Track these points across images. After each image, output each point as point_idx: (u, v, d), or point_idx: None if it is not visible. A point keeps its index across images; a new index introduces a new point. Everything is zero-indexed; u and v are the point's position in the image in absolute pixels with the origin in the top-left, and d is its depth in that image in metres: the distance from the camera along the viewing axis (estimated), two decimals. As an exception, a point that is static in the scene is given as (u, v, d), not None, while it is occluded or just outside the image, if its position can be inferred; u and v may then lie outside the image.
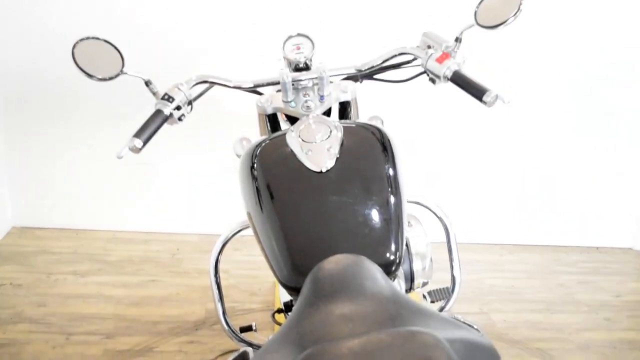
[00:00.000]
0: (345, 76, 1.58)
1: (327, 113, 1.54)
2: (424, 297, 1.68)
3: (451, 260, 1.59)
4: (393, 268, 1.17)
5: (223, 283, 1.50)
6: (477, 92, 1.30)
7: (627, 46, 2.93)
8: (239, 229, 1.54)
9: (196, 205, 3.07)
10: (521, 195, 3.25)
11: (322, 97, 1.49)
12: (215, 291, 1.55)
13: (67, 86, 2.74)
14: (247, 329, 1.58)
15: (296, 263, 1.15)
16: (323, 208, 1.19)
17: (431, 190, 3.12)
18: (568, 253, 3.30)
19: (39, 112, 2.84)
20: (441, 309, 1.63)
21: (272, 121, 1.59)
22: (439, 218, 1.57)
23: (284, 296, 1.55)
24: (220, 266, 1.49)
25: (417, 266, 1.44)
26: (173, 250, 2.95)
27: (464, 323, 1.65)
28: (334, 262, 1.10)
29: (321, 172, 1.22)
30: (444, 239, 1.53)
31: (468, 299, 2.71)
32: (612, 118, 3.12)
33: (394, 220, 1.20)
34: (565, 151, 3.17)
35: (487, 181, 3.20)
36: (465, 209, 3.21)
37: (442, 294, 1.66)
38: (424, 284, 1.47)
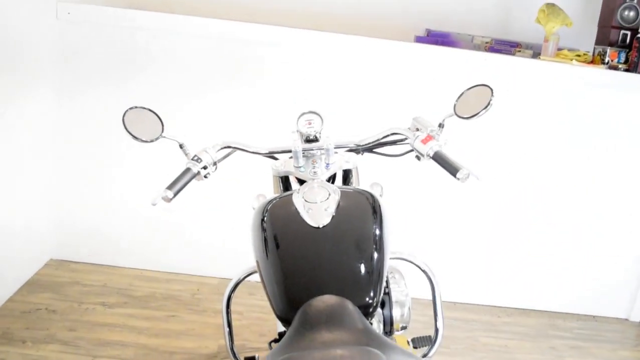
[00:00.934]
0: (348, 149, 1.86)
1: (333, 178, 1.82)
2: (408, 342, 1.92)
3: (435, 312, 1.83)
4: (371, 310, 1.43)
5: (236, 324, 1.76)
6: (452, 169, 1.56)
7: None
8: (248, 272, 1.83)
9: (218, 251, 3.35)
10: (522, 260, 3.45)
11: (327, 165, 1.76)
12: (226, 327, 1.83)
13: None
14: (251, 359, 1.85)
15: (290, 299, 1.41)
16: (317, 256, 1.46)
17: (434, 252, 3.37)
18: (565, 319, 3.48)
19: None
20: (424, 356, 1.86)
21: (285, 182, 1.87)
22: (424, 272, 1.82)
23: (280, 327, 1.80)
24: (235, 308, 1.75)
25: (396, 313, 1.69)
26: (194, 290, 3.21)
27: None
28: (322, 301, 1.37)
29: (318, 227, 1.49)
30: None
31: (460, 353, 2.91)
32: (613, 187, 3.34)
33: (375, 271, 1.46)
34: (566, 221, 3.39)
35: (491, 244, 3.42)
36: (466, 270, 3.43)
37: (425, 341, 1.91)
38: (403, 328, 1.71)
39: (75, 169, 3.25)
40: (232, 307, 1.85)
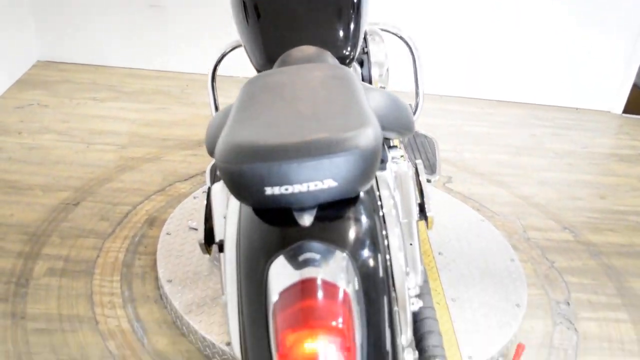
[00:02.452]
0: None
1: None
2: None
3: (417, 85, 1.85)
4: (347, 61, 1.46)
5: (221, 100, 1.78)
6: None
7: None
8: (234, 45, 1.83)
9: (207, 48, 3.34)
10: (507, 53, 3.47)
11: None
12: (211, 96, 1.86)
13: None
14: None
15: (269, 51, 1.44)
16: (295, 10, 1.47)
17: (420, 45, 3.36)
18: (547, 111, 3.56)
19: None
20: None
21: None
22: (406, 43, 1.83)
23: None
24: (222, 100, 1.76)
25: (375, 72, 1.72)
26: (183, 86, 3.26)
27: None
28: (300, 51, 1.40)
29: None
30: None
31: (444, 140, 3.01)
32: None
33: (354, 25, 1.48)
34: (552, 13, 3.35)
35: (476, 37, 3.41)
36: (451, 63, 3.45)
37: None
38: (381, 87, 1.76)
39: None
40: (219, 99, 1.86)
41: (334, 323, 0.74)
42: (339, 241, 0.83)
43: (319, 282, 0.77)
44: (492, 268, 2.01)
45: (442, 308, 1.78)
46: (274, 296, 0.78)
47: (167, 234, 2.01)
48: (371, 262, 0.86)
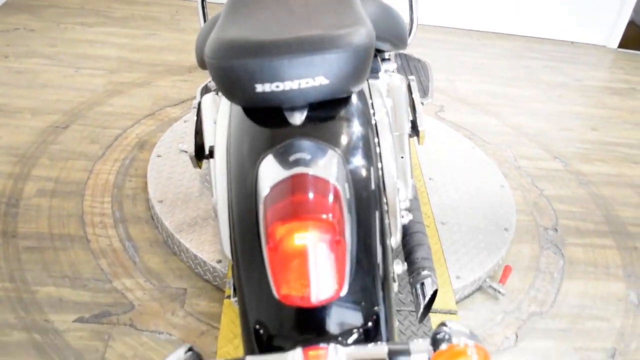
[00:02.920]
0: None
1: None
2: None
3: (411, 5, 1.81)
4: None
5: None
6: None
7: None
8: None
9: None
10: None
11: None
12: (200, 11, 1.81)
13: None
14: None
15: None
16: None
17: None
18: (542, 44, 3.53)
19: None
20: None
21: None
22: None
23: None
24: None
25: None
26: (173, 12, 3.19)
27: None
28: None
29: None
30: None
31: (437, 70, 2.99)
32: None
33: None
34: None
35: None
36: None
37: None
38: None
39: None
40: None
41: (324, 216, 0.74)
42: (330, 140, 0.82)
43: (310, 177, 0.77)
44: (482, 194, 2.02)
45: (431, 231, 1.80)
46: (264, 190, 0.77)
47: (158, 156, 2.00)
48: (363, 164, 0.86)
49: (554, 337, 1.66)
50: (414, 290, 1.22)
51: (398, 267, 1.01)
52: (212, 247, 1.65)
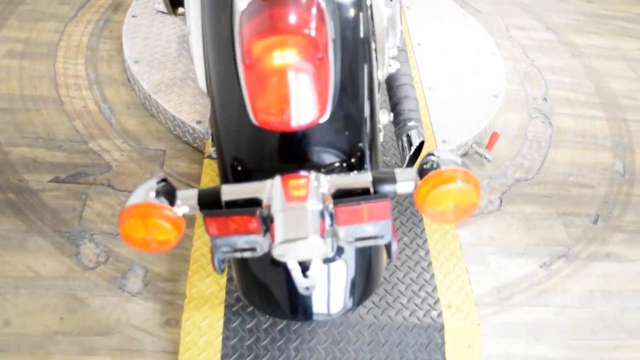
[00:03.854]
0: None
1: None
2: None
3: None
4: None
5: None
6: None
7: None
8: None
9: None
10: None
11: None
12: None
13: None
14: None
15: None
16: None
17: None
18: None
19: None
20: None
21: None
22: None
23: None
24: None
25: None
26: None
27: None
28: None
29: None
30: None
31: None
32: None
33: None
34: None
35: None
36: None
37: None
38: None
39: None
40: None
41: (306, 31, 0.67)
42: None
43: None
44: (471, 60, 1.95)
45: (419, 96, 1.74)
46: (241, 4, 0.70)
47: (133, 16, 1.89)
48: None
49: (538, 203, 1.65)
50: (399, 143, 1.18)
51: (384, 117, 0.96)
52: (192, 108, 1.59)
